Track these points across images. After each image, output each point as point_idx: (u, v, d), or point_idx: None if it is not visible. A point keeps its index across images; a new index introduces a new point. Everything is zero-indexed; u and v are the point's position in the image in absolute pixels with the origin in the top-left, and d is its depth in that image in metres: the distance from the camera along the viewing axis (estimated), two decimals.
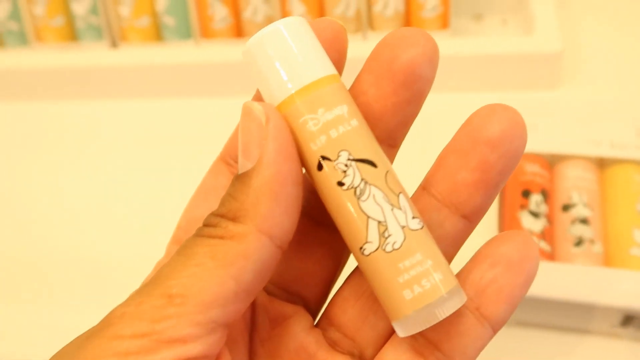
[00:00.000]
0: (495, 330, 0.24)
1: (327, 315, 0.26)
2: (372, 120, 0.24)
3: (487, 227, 0.45)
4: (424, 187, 0.25)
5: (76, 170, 0.53)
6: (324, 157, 0.22)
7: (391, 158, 0.25)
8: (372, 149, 0.22)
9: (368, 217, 0.22)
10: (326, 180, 0.22)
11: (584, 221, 0.42)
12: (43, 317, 0.44)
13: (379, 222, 0.22)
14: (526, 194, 0.43)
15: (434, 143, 0.50)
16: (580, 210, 0.42)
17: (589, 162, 0.45)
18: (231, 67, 0.54)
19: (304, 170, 0.23)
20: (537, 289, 0.39)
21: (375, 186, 0.22)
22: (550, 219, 0.43)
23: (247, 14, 0.55)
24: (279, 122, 0.22)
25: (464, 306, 0.23)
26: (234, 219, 0.21)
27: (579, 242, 0.41)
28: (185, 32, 0.56)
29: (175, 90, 0.56)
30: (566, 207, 0.43)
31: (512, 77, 0.52)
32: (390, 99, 0.23)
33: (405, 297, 0.22)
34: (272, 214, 0.21)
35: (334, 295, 0.26)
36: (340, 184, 0.22)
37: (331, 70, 0.23)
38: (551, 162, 0.45)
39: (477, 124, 0.23)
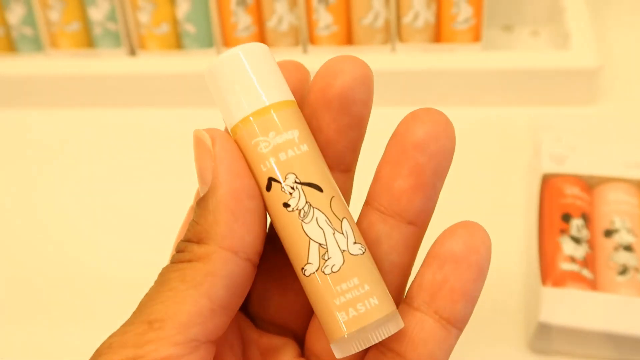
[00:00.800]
0: (459, 328, 0.24)
1: (306, 346, 0.26)
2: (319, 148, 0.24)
3: (527, 252, 0.43)
4: (368, 202, 0.25)
5: (91, 180, 0.51)
6: (272, 179, 0.23)
7: (346, 183, 0.25)
8: (319, 174, 0.23)
9: (310, 239, 0.23)
10: (273, 201, 0.23)
11: (628, 248, 0.40)
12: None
13: (320, 245, 0.23)
14: (566, 218, 0.41)
15: (460, 155, 0.49)
16: (623, 236, 0.41)
17: (631, 185, 0.43)
18: None
19: None
20: (579, 319, 0.38)
21: (319, 210, 0.23)
22: (591, 244, 0.41)
23: (271, 23, 0.53)
24: (225, 142, 0.23)
25: (422, 312, 0.24)
26: (198, 242, 0.23)
27: (623, 271, 0.39)
28: (206, 41, 0.55)
29: (194, 100, 0.54)
30: (608, 233, 0.41)
31: (546, 92, 0.50)
32: (331, 127, 0.24)
33: (340, 319, 0.23)
34: (231, 229, 0.22)
35: (309, 325, 0.26)
36: (286, 205, 0.23)
37: (287, 96, 0.24)
38: (590, 184, 0.44)
39: (403, 131, 0.24)
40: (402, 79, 0.51)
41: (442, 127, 0.24)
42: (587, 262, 0.40)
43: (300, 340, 0.27)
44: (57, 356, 0.42)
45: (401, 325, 0.23)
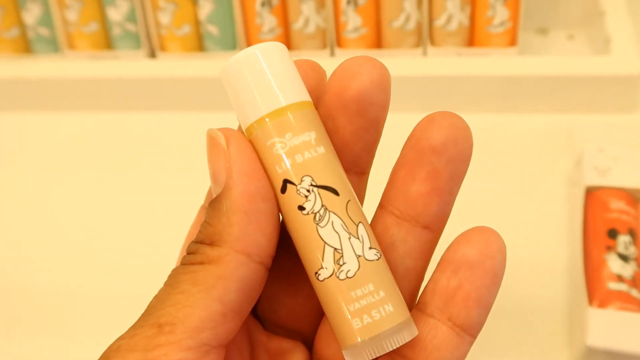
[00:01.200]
0: (473, 335, 0.24)
1: (315, 350, 0.26)
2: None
3: (571, 270, 0.41)
4: (382, 205, 0.25)
5: (107, 184, 0.49)
6: (287, 181, 0.23)
7: (361, 185, 0.25)
8: (336, 177, 0.23)
9: (325, 243, 0.22)
10: (288, 203, 0.23)
11: None
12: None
13: (335, 249, 0.22)
14: (613, 234, 0.39)
15: (496, 165, 0.47)
16: None
17: None
18: None
19: None
20: (628, 343, 0.35)
21: (335, 213, 0.22)
22: (639, 263, 0.38)
23: (297, 25, 0.51)
24: (239, 143, 0.22)
25: (435, 318, 0.24)
26: (211, 244, 0.22)
27: None
28: (229, 43, 0.52)
29: (216, 103, 0.52)
30: None
31: (586, 99, 0.48)
32: (347, 129, 0.24)
33: (354, 325, 0.22)
34: (244, 232, 0.22)
35: (319, 329, 0.26)
36: (301, 208, 0.22)
37: (304, 96, 0.23)
38: (636, 198, 0.41)
39: (420, 134, 0.23)
40: (433, 84, 0.49)
41: (461, 131, 0.23)
42: (636, 281, 0.38)
43: (309, 344, 0.26)
44: None
45: (415, 333, 0.23)
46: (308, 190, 0.22)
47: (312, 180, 0.22)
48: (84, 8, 0.53)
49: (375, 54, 0.51)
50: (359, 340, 0.22)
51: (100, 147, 0.52)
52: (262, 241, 0.22)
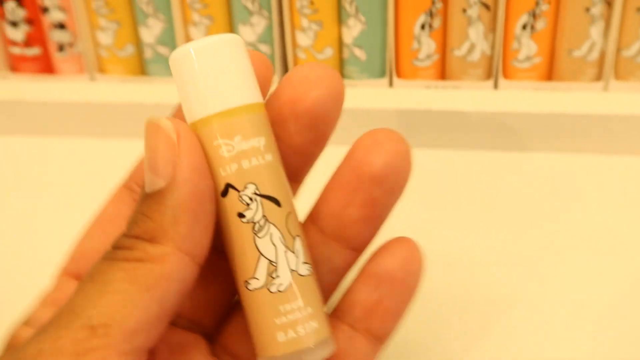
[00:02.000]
0: (384, 343, 0.25)
1: (223, 344, 0.25)
2: None
3: None
4: (312, 220, 0.25)
5: None
6: (230, 185, 0.22)
7: (294, 192, 0.25)
8: (280, 188, 0.22)
9: (260, 254, 0.22)
10: (228, 208, 0.22)
11: None
12: None
13: (270, 262, 0.22)
14: None
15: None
16: None
17: None
18: (432, 115, 0.44)
19: None
20: None
21: (275, 225, 0.22)
22: None
23: (460, 51, 0.45)
24: (190, 137, 0.21)
25: (353, 329, 0.24)
26: (151, 240, 0.21)
27: None
28: (376, 70, 0.46)
29: (356, 135, 0.46)
30: None
31: None
32: (294, 139, 0.23)
33: (278, 339, 0.22)
34: (192, 232, 0.21)
35: (230, 325, 0.25)
36: (241, 215, 0.22)
37: (257, 98, 0.23)
38: None
39: (361, 157, 0.23)
40: (616, 123, 0.43)
41: (403, 158, 0.23)
42: None
43: (210, 337, 0.26)
44: None
45: (334, 349, 0.23)
46: (251, 199, 0.22)
47: (256, 188, 0.22)
48: (212, 26, 0.47)
49: (547, 86, 0.44)
50: (280, 353, 0.22)
51: None
52: (205, 243, 0.22)
